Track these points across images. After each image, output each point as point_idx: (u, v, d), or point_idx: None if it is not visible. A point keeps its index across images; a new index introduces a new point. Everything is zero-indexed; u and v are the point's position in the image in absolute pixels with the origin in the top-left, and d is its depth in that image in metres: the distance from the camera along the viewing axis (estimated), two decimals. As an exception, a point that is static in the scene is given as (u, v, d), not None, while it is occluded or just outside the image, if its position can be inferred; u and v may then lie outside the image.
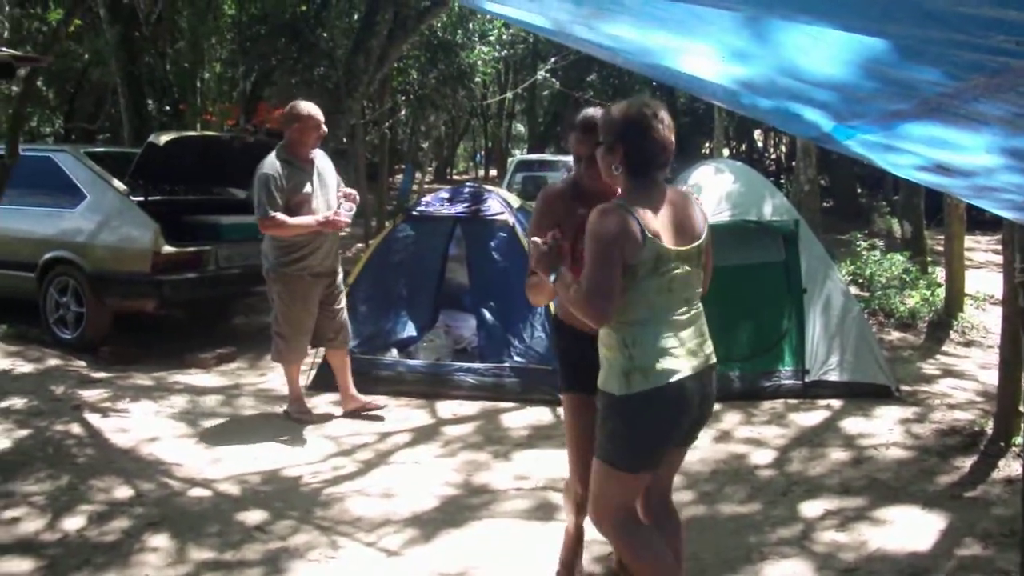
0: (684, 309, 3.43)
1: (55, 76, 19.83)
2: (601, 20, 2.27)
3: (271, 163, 6.59)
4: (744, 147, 37.59)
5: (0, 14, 16.69)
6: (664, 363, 3.32)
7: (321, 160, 6.88)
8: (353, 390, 7.12)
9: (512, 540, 4.84)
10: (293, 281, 6.73)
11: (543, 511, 5.28)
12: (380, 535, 4.99)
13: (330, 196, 6.83)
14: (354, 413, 7.05)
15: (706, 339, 3.52)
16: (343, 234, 7.18)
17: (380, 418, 7.00)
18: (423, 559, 4.66)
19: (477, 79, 22.24)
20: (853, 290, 9.54)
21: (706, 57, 2.26)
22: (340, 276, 7.09)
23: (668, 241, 3.35)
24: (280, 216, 6.47)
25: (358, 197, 6.95)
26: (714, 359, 3.53)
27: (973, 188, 2.89)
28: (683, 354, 3.38)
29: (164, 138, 8.80)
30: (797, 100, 2.35)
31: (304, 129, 6.68)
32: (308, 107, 6.74)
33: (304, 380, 7.46)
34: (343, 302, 7.11)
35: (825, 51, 1.85)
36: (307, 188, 6.64)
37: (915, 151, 2.47)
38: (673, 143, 3.38)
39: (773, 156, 38.54)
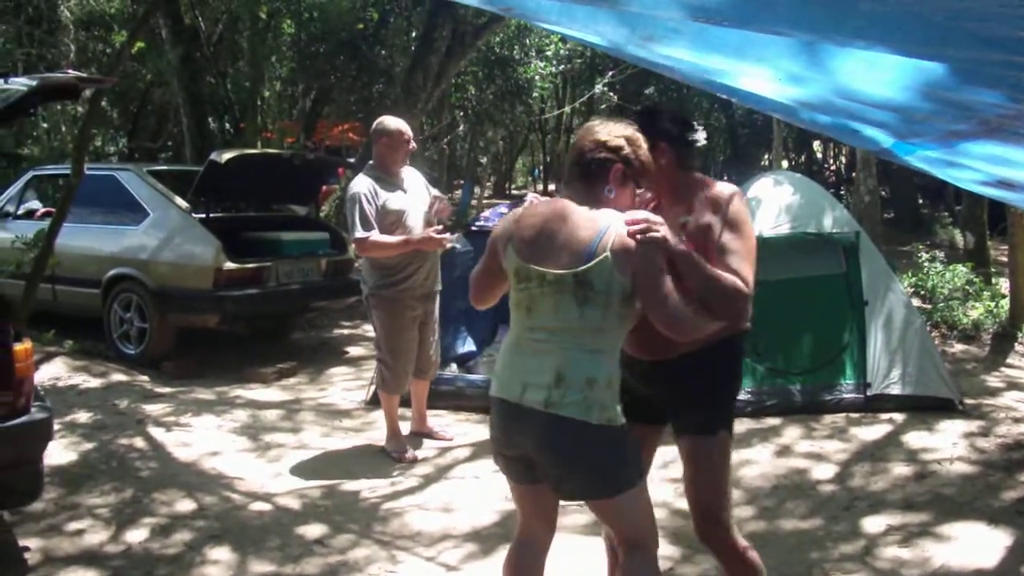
0: (540, 336, 3.19)
1: (119, 96, 20.16)
2: (656, 43, 2.27)
3: (361, 181, 6.35)
4: (804, 158, 37.24)
5: (66, 37, 17.02)
6: (496, 373, 3.38)
7: (411, 176, 6.64)
8: (427, 416, 7.03)
9: (571, 555, 4.82)
10: (394, 304, 6.44)
11: (593, 527, 5.25)
12: (439, 550, 5.01)
13: (424, 212, 6.58)
14: (421, 434, 6.95)
15: (564, 382, 3.10)
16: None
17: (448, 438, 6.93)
18: (482, 574, 4.67)
19: (535, 94, 22.26)
20: (915, 302, 9.42)
21: (762, 79, 2.25)
22: (437, 301, 6.78)
23: (530, 258, 3.21)
24: (376, 236, 6.22)
25: (447, 204, 6.79)
26: (553, 408, 3.09)
27: (1037, 201, 2.85)
28: (503, 374, 3.32)
29: (225, 156, 8.90)
30: (855, 119, 2.34)
31: (393, 144, 6.45)
32: (396, 122, 6.53)
33: (364, 395, 7.50)
34: (437, 330, 6.87)
35: (882, 75, 1.84)
36: (399, 205, 6.37)
37: (976, 167, 2.45)
38: (578, 160, 3.29)
39: (833, 167, 38.15)
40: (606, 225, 3.11)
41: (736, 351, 3.61)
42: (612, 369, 3.17)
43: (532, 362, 3.19)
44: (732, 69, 2.31)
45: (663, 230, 3.12)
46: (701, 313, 3.16)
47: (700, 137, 3.54)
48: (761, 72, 2.21)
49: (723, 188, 3.45)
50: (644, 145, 3.31)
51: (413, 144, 6.61)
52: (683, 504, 3.94)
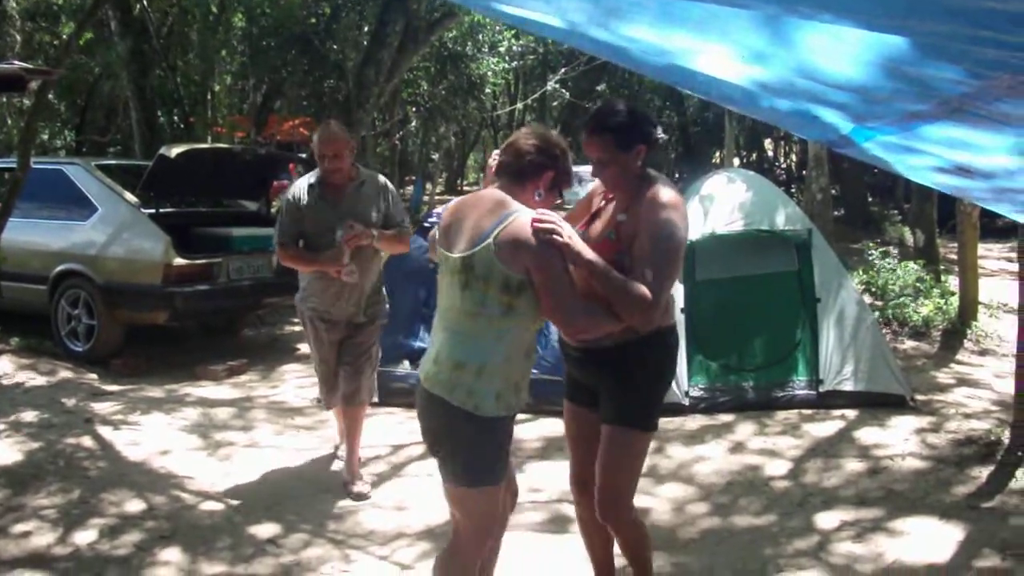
0: (439, 316, 3.40)
1: (66, 89, 19.86)
2: (619, 19, 2.24)
3: (297, 185, 5.77)
4: (755, 156, 37.56)
5: (12, 28, 16.75)
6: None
7: (366, 188, 5.73)
8: (357, 458, 5.96)
9: (525, 552, 4.79)
10: (304, 320, 5.92)
11: (556, 523, 5.24)
12: (393, 548, 4.97)
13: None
14: (347, 484, 5.85)
15: (439, 360, 3.30)
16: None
17: (365, 497, 5.72)
18: (436, 572, 4.63)
19: (487, 90, 22.31)
20: (866, 299, 9.49)
21: (724, 57, 2.23)
22: (371, 332, 5.92)
23: (443, 242, 3.41)
24: (285, 248, 5.68)
25: (362, 231, 5.50)
26: (425, 378, 3.34)
27: (993, 191, 2.86)
28: (426, 354, 3.46)
29: (175, 151, 8.80)
30: (816, 101, 2.32)
31: (319, 153, 5.63)
32: (324, 132, 5.68)
33: (316, 392, 7.42)
34: (366, 361, 5.90)
35: (845, 50, 1.83)
36: (315, 216, 5.57)
37: (934, 152, 2.45)
38: (515, 159, 3.36)
39: (784, 166, 38.49)
40: (505, 217, 3.19)
41: (666, 346, 3.71)
42: (489, 357, 3.22)
43: (433, 339, 3.41)
44: (694, 47, 2.29)
45: (567, 234, 3.20)
46: (609, 313, 3.29)
47: (660, 134, 3.65)
48: (724, 51, 2.19)
49: (660, 194, 3.47)
50: (570, 159, 3.44)
51: (336, 161, 5.54)
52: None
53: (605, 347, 3.54)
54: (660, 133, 3.62)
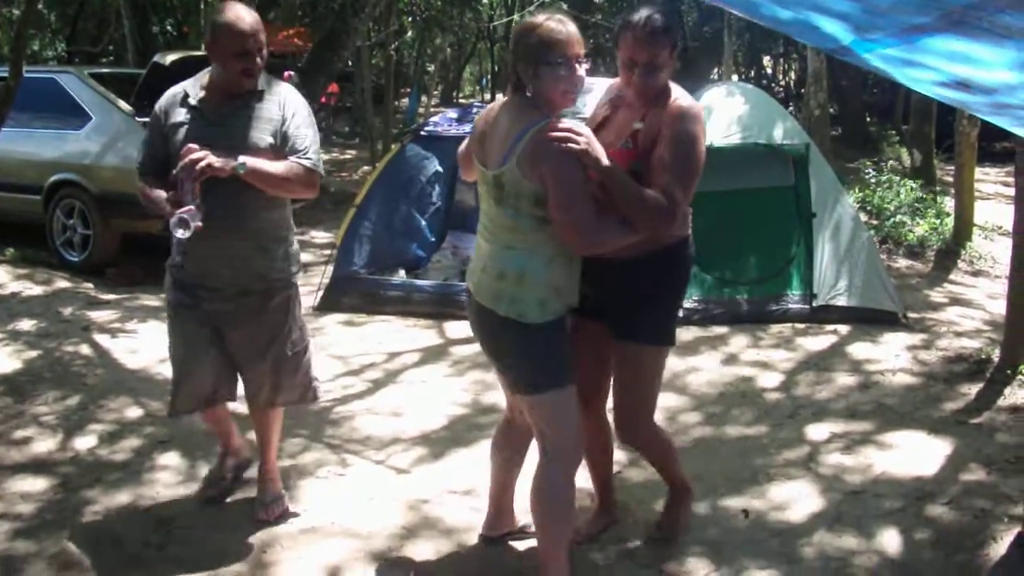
0: (482, 228, 3.45)
1: (57, -2, 19.61)
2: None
3: (168, 95, 4.08)
4: (753, 73, 37.24)
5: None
6: None
7: (264, 101, 4.00)
8: (273, 466, 4.39)
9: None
10: (167, 287, 4.17)
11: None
12: (389, 453, 5.02)
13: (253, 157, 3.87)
14: (261, 502, 4.29)
15: (486, 270, 3.35)
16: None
17: (295, 514, 4.31)
18: (432, 477, 4.70)
19: (484, 1, 21.98)
20: (862, 217, 9.50)
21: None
22: (278, 307, 4.09)
23: (479, 153, 3.40)
24: (144, 179, 4.02)
25: (214, 162, 3.66)
26: (474, 290, 3.41)
27: (993, 105, 2.85)
28: (472, 265, 3.54)
29: (169, 58, 8.73)
30: (817, 10, 2.30)
31: (216, 45, 3.90)
32: (227, 15, 3.87)
33: (312, 300, 7.46)
34: (281, 349, 4.11)
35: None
36: (180, 137, 3.88)
37: (935, 66, 2.43)
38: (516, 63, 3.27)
39: (783, 83, 38.21)
40: (525, 130, 3.16)
41: (683, 258, 3.66)
42: (528, 266, 3.25)
43: (477, 249, 3.49)
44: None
45: (584, 142, 3.13)
46: (622, 226, 3.25)
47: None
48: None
49: (681, 105, 3.39)
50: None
51: (252, 60, 3.88)
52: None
53: (622, 260, 3.45)
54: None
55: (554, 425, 3.37)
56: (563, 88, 3.18)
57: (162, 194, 3.80)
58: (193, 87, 4.01)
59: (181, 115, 3.95)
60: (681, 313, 7.06)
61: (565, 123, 3.16)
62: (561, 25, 3.16)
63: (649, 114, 3.45)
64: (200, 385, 4.15)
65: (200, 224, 3.60)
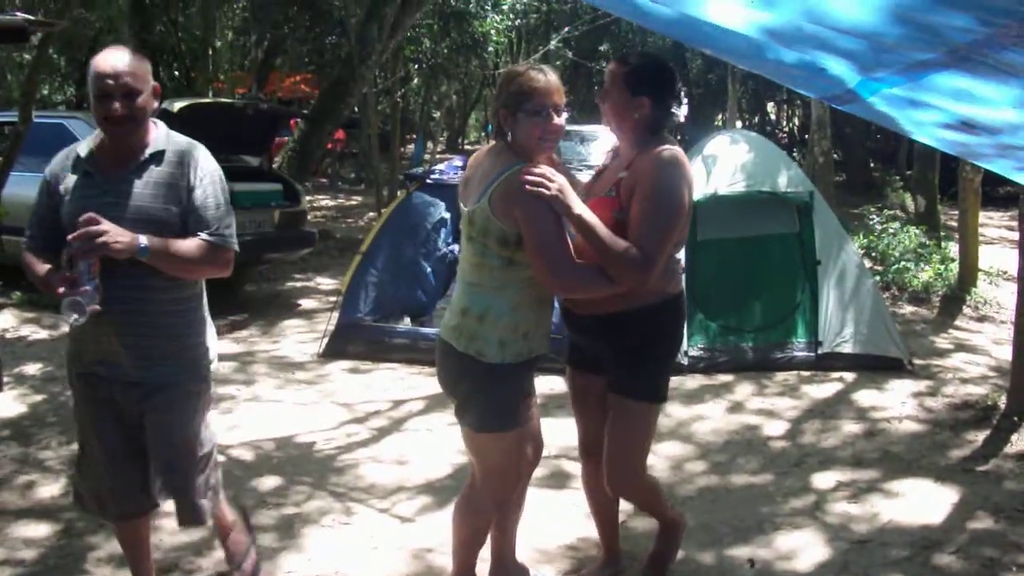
0: (459, 268, 3.48)
1: (67, 43, 19.76)
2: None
3: (60, 156, 3.50)
4: (757, 120, 37.41)
5: (12, -21, 16.63)
6: None
7: (163, 162, 3.33)
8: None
9: (525, 508, 4.84)
10: (70, 380, 3.59)
11: (556, 479, 5.28)
12: (393, 501, 5.00)
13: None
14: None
15: (452, 308, 3.45)
16: None
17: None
18: (436, 526, 4.66)
19: (490, 48, 22.18)
20: (866, 264, 9.51)
21: (732, 3, 2.21)
22: (180, 404, 3.40)
23: (463, 194, 3.45)
24: (30, 250, 3.49)
25: (104, 239, 3.05)
26: (442, 330, 3.46)
27: (997, 147, 2.84)
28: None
29: (178, 105, 8.78)
30: (823, 49, 2.30)
31: (96, 92, 3.27)
32: (102, 55, 3.37)
33: (318, 347, 7.45)
34: (187, 455, 3.41)
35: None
36: (91, 207, 3.17)
37: (940, 105, 2.43)
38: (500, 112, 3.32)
39: (786, 129, 38.37)
40: (500, 172, 3.21)
41: (672, 314, 3.62)
42: (491, 305, 3.29)
43: (454, 290, 3.56)
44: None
45: (556, 188, 3.13)
46: (600, 276, 3.22)
47: (680, 114, 3.48)
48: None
49: (661, 152, 3.35)
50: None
51: (131, 96, 3.24)
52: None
53: (611, 314, 3.44)
54: (678, 111, 3.47)
55: (487, 465, 3.45)
56: (538, 135, 3.21)
57: (47, 268, 3.27)
58: (86, 147, 3.39)
59: (71, 180, 3.35)
60: (686, 361, 7.15)
61: (540, 169, 3.17)
62: (541, 75, 3.21)
63: (634, 162, 3.43)
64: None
65: (97, 307, 3.09)
